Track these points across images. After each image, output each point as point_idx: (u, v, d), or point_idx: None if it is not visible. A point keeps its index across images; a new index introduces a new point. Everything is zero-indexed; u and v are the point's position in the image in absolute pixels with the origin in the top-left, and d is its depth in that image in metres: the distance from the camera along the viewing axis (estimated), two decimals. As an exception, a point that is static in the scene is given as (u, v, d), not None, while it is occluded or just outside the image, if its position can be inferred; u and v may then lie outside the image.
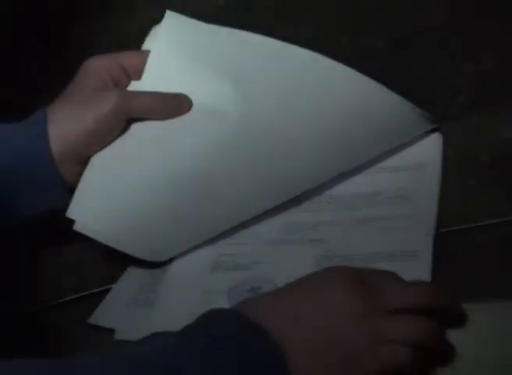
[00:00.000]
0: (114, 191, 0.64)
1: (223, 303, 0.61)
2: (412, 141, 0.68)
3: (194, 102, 0.66)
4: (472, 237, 0.61)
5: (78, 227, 0.63)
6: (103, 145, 0.66)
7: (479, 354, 0.56)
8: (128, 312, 0.63)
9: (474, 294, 0.57)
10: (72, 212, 0.64)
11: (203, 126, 0.65)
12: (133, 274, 0.66)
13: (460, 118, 0.68)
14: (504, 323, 0.58)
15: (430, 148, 0.67)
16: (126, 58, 0.69)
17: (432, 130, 0.67)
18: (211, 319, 0.49)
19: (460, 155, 0.66)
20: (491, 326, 0.58)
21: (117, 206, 0.64)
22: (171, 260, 0.66)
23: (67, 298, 0.65)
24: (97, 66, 0.68)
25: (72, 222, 0.64)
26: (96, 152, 0.66)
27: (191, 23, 0.68)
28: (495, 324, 0.57)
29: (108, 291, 0.65)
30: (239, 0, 0.78)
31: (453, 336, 0.55)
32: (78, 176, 0.66)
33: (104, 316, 0.63)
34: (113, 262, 0.66)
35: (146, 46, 0.70)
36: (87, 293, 0.65)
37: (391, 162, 0.67)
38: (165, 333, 0.50)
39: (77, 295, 0.65)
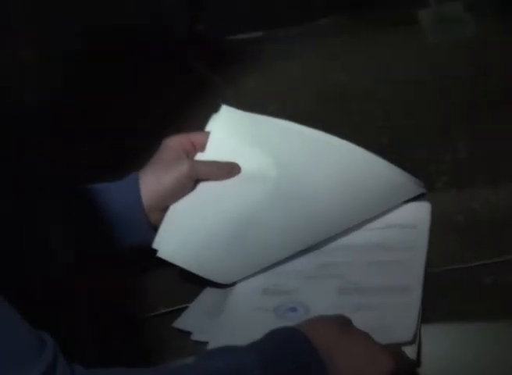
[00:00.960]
0: (188, 229, 0.76)
1: (269, 318, 0.71)
2: (408, 208, 0.78)
3: (242, 169, 0.78)
4: (452, 276, 0.72)
5: (161, 255, 0.75)
6: (179, 198, 0.77)
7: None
8: (202, 321, 0.73)
9: (454, 317, 0.68)
10: (157, 243, 0.75)
11: (248, 185, 0.77)
12: (207, 294, 0.76)
13: (443, 191, 0.79)
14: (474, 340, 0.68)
15: (421, 212, 0.78)
16: (194, 136, 0.80)
17: (423, 200, 0.78)
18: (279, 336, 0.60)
19: (444, 217, 0.77)
20: (466, 343, 0.68)
21: (190, 240, 0.76)
22: (233, 285, 0.75)
23: (161, 311, 0.75)
24: (174, 142, 0.79)
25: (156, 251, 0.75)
26: (174, 202, 0.77)
27: (240, 113, 0.81)
28: (470, 340, 0.68)
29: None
30: (289, 106, 0.89)
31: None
32: (160, 219, 0.77)
33: (185, 321, 0.73)
34: (193, 284, 0.76)
35: (208, 128, 0.81)
36: (174, 308, 0.75)
37: (393, 221, 0.78)
38: (240, 348, 0.58)
39: (168, 309, 0.75)
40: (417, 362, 0.65)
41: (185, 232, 0.76)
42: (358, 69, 0.95)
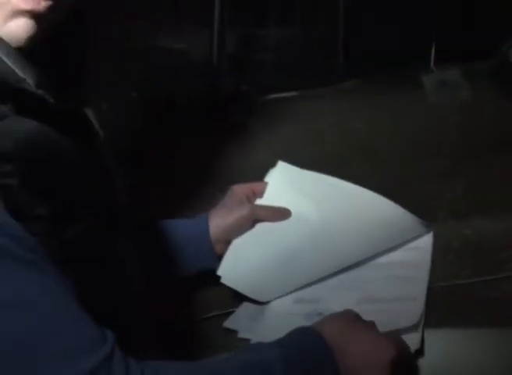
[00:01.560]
0: (246, 260, 0.85)
1: (301, 321, 0.77)
2: (416, 237, 0.86)
3: (292, 213, 0.87)
4: (452, 290, 0.80)
5: (224, 281, 0.84)
6: (240, 234, 0.85)
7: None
8: (246, 322, 0.82)
9: (453, 323, 0.75)
10: (221, 271, 0.84)
11: (295, 226, 0.86)
12: (250, 301, 0.84)
13: (443, 222, 0.89)
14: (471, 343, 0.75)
15: (426, 240, 0.86)
16: (255, 185, 0.90)
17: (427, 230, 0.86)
18: (298, 335, 0.66)
19: (442, 242, 0.86)
20: (464, 345, 0.75)
21: (246, 270, 0.84)
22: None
23: (214, 314, 0.84)
24: (238, 190, 0.89)
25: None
26: (236, 237, 0.86)
27: (293, 168, 0.91)
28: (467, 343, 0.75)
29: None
30: (317, 151, 0.97)
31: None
32: (224, 251, 0.85)
33: (233, 322, 0.83)
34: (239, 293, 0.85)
35: (266, 179, 0.92)
36: (224, 312, 0.84)
37: (403, 246, 0.85)
38: (266, 344, 0.65)
39: (219, 312, 0.84)
40: (420, 350, 0.72)
41: (244, 262, 0.85)
42: (373, 122, 1.04)
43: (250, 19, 1.20)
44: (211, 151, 1.05)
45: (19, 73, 0.59)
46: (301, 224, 0.85)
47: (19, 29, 0.60)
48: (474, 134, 0.98)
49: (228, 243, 0.85)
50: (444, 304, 0.77)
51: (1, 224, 0.54)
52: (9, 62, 0.59)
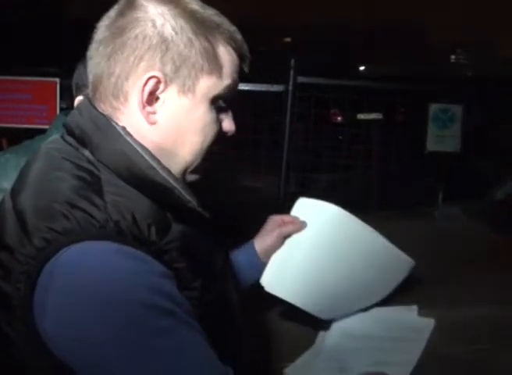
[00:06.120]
0: (288, 270, 1.13)
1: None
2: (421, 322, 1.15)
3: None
4: (443, 357, 1.10)
5: (267, 289, 1.14)
6: (278, 248, 1.15)
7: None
8: (301, 371, 1.09)
9: None
10: (263, 280, 1.14)
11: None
12: (304, 356, 1.14)
13: (440, 310, 1.17)
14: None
15: (428, 323, 1.15)
16: (285, 216, 1.17)
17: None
18: None
19: (439, 323, 1.17)
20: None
21: (289, 279, 1.13)
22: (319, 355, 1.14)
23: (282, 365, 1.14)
24: (274, 218, 1.17)
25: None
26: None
27: (310, 201, 1.20)
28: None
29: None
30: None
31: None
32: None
33: (292, 371, 1.13)
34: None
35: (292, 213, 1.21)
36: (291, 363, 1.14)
37: (410, 325, 1.14)
38: None
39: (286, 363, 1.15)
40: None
41: (286, 272, 1.11)
42: (399, 240, 1.36)
43: (307, 167, 1.59)
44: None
45: (188, 196, 0.83)
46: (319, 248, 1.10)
47: (192, 180, 0.89)
48: (467, 250, 1.29)
49: (270, 255, 1.13)
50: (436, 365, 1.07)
51: (174, 295, 0.77)
52: (184, 193, 0.83)
